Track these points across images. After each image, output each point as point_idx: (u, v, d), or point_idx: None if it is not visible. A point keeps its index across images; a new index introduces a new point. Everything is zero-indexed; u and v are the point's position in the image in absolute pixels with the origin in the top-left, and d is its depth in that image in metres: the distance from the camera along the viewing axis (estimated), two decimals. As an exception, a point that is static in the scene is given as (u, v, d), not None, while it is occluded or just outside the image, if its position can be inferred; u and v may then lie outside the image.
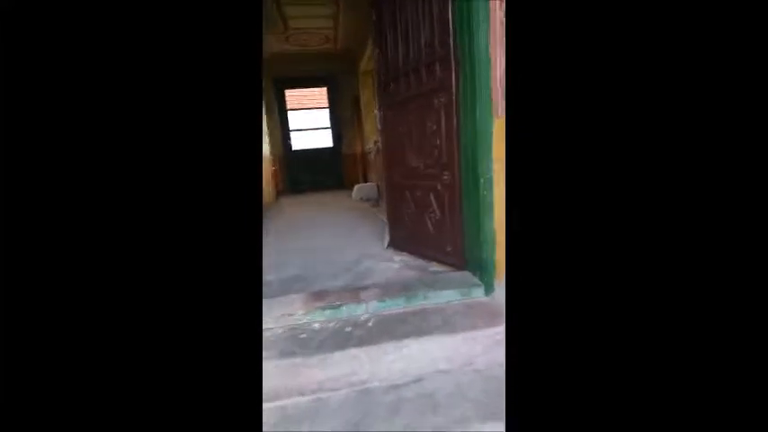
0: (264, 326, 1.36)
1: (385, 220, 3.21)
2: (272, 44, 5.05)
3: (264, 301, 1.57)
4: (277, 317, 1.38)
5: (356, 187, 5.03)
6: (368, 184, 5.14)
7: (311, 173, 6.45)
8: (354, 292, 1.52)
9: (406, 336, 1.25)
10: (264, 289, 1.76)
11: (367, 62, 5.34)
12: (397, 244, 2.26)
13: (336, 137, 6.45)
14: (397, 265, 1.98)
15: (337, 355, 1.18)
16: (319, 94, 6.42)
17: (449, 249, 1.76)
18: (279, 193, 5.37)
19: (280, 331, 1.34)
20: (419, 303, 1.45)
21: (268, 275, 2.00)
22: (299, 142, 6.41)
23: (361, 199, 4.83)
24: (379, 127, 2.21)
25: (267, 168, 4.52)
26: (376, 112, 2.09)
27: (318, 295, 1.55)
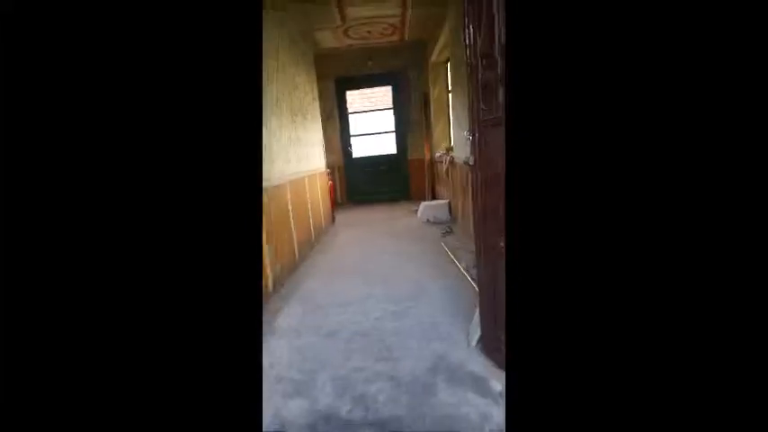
0: None
1: (462, 269, 2.35)
2: (328, 40, 4.40)
3: None
4: None
5: (422, 205, 4.19)
6: (438, 202, 4.26)
7: (373, 183, 5.74)
8: None
9: None
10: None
11: (440, 53, 4.42)
12: (493, 347, 1.39)
13: (401, 143, 5.64)
14: (498, 410, 1.11)
15: None
16: (383, 94, 5.66)
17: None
18: (335, 208, 4.75)
19: None
20: None
21: (291, 400, 1.27)
22: (360, 149, 5.74)
23: (428, 221, 3.98)
24: (472, 157, 1.33)
25: (322, 184, 3.89)
26: (465, 134, 1.22)
27: None
